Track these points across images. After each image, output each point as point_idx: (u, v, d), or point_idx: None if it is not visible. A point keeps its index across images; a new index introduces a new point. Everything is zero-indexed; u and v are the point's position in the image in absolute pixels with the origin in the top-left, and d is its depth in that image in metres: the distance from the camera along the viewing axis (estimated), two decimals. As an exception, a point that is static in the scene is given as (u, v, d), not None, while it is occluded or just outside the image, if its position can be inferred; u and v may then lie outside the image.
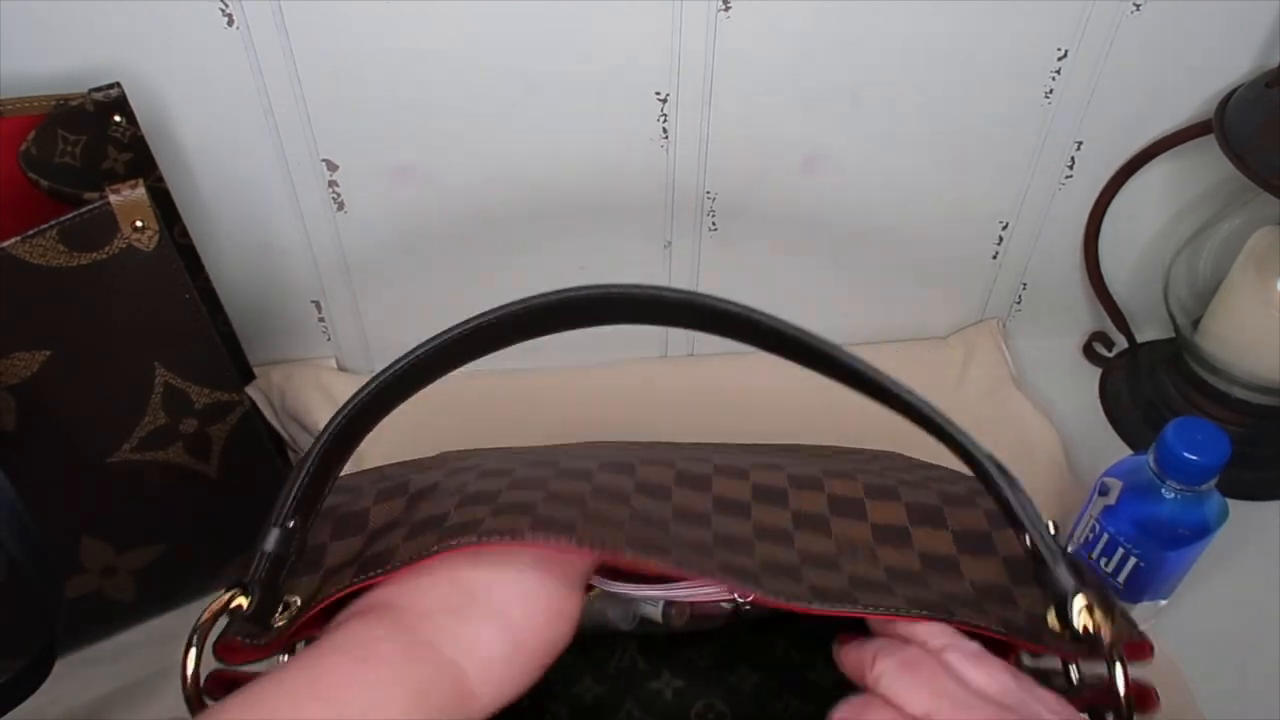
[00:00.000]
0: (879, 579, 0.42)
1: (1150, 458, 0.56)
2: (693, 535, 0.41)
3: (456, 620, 0.37)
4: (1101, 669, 0.39)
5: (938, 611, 0.40)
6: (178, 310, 0.54)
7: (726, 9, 0.60)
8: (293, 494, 0.40)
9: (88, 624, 0.62)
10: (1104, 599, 0.39)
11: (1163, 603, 0.60)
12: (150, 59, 0.59)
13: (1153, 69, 0.65)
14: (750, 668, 0.54)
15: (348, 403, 0.40)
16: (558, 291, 0.39)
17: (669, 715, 0.53)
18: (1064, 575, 0.39)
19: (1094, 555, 0.59)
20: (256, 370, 0.74)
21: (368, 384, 0.39)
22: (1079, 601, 0.38)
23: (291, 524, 0.40)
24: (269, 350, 0.75)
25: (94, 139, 0.56)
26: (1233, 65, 0.65)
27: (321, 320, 0.75)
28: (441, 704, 0.36)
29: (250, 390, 0.67)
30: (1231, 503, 0.56)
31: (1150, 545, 0.56)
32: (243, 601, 0.39)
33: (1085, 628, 0.38)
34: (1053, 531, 0.41)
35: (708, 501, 0.44)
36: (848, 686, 0.54)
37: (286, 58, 0.59)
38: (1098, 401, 0.78)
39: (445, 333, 0.39)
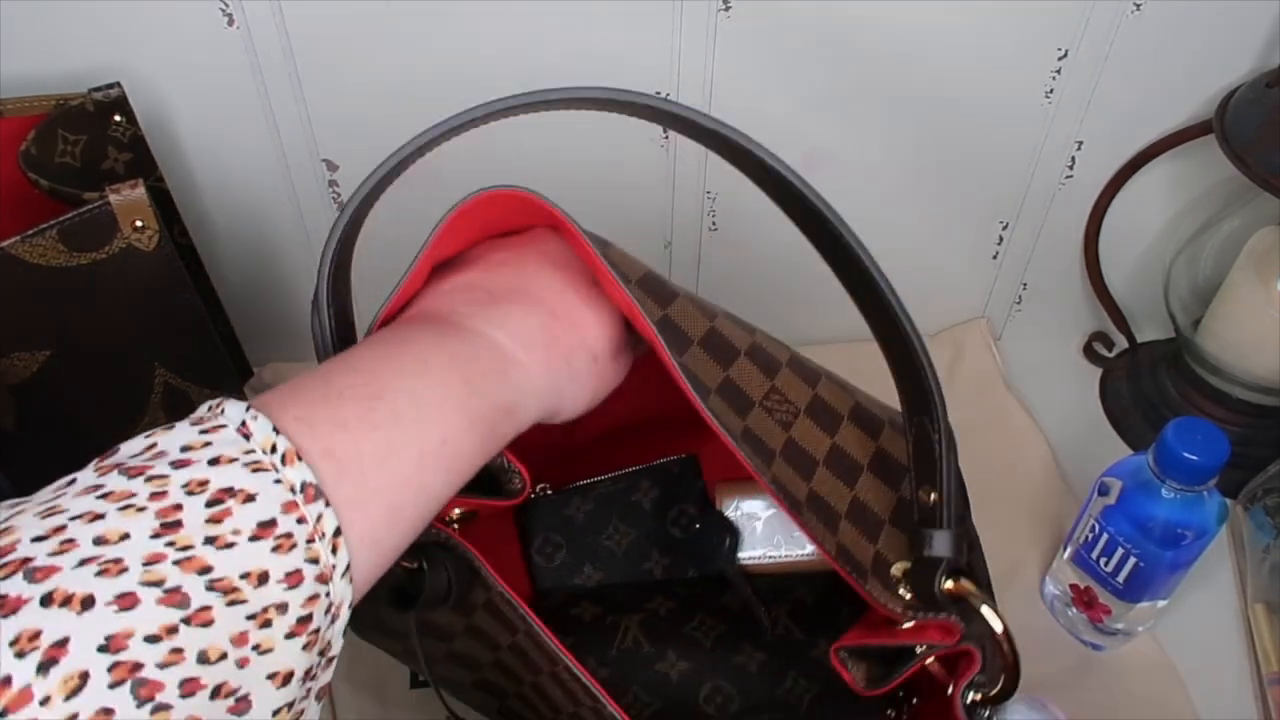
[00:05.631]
0: (770, 444, 0.42)
1: (1150, 458, 0.56)
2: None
3: (484, 307, 0.40)
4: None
5: (795, 506, 0.41)
6: (178, 310, 0.54)
7: (726, 9, 0.60)
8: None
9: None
10: (978, 575, 0.42)
11: (1162, 603, 0.60)
12: (150, 59, 0.59)
13: (1153, 69, 0.65)
14: (754, 646, 0.54)
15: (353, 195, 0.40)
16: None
17: (676, 699, 0.53)
18: (943, 542, 0.41)
19: (1094, 555, 0.59)
20: (256, 371, 0.74)
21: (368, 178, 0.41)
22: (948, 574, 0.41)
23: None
24: (269, 350, 0.75)
25: (94, 139, 0.56)
26: (1233, 65, 0.65)
27: (321, 320, 0.75)
28: (483, 368, 0.38)
29: (246, 390, 0.67)
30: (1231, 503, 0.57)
31: (1150, 545, 0.56)
32: None
33: (950, 592, 0.40)
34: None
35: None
36: None
37: (286, 58, 0.59)
38: (1098, 401, 0.78)
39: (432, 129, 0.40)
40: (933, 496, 0.41)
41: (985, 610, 0.40)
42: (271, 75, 0.60)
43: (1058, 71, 0.65)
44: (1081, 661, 0.63)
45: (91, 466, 0.30)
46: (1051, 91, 0.66)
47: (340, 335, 0.41)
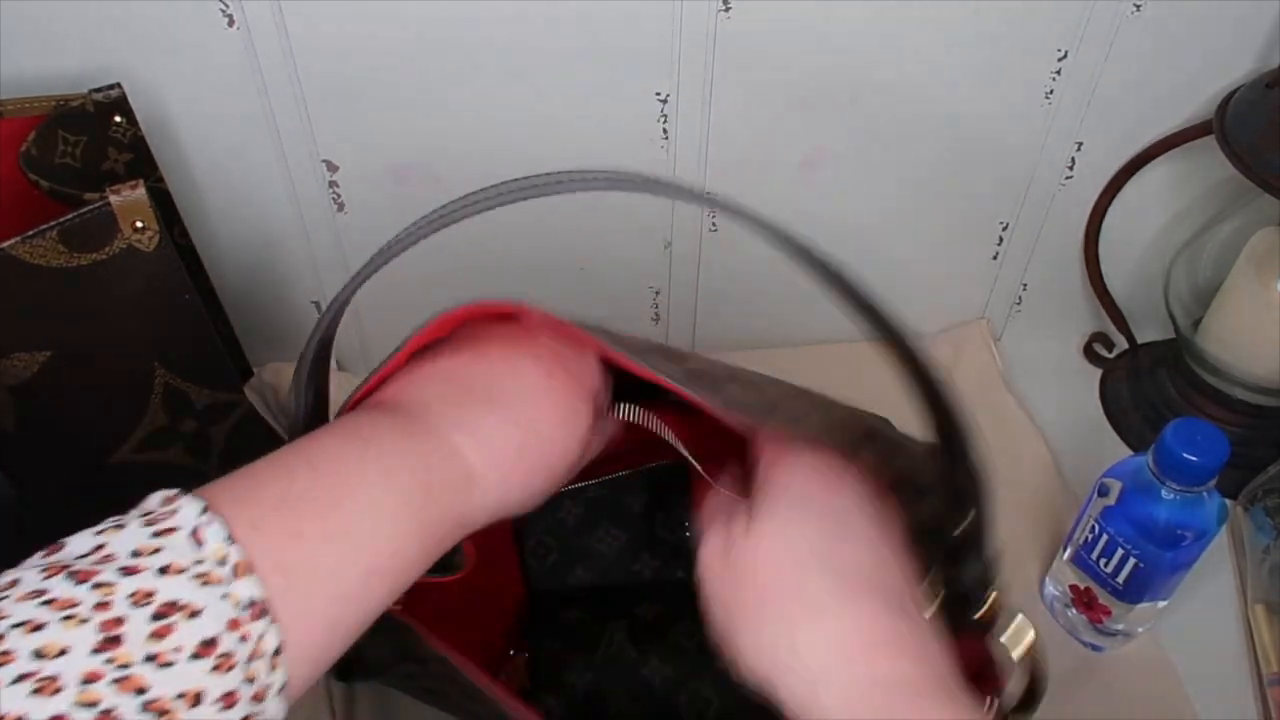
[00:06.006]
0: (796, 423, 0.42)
1: (1150, 458, 0.55)
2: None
3: (457, 408, 0.38)
4: None
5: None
6: (178, 310, 0.54)
7: (726, 9, 0.60)
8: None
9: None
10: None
11: (1162, 603, 0.60)
12: (150, 59, 0.59)
13: (1153, 69, 0.65)
14: None
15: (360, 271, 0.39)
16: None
17: (657, 704, 0.53)
18: (981, 566, 0.41)
19: (1094, 555, 0.59)
20: (256, 371, 0.74)
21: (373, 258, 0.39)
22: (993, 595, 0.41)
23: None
24: (269, 350, 0.75)
25: (94, 139, 0.56)
26: (1233, 65, 0.65)
27: (321, 320, 0.75)
28: (444, 479, 0.37)
29: (246, 390, 0.67)
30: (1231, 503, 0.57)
31: (1150, 546, 0.56)
32: None
33: (985, 614, 0.41)
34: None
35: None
36: None
37: (286, 58, 0.59)
38: (1098, 402, 0.78)
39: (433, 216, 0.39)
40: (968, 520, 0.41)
41: (1019, 621, 0.41)
42: (271, 75, 0.60)
43: (1058, 72, 0.65)
44: (1081, 662, 0.63)
45: (38, 564, 0.29)
46: (1051, 92, 0.66)
47: (315, 416, 0.42)
